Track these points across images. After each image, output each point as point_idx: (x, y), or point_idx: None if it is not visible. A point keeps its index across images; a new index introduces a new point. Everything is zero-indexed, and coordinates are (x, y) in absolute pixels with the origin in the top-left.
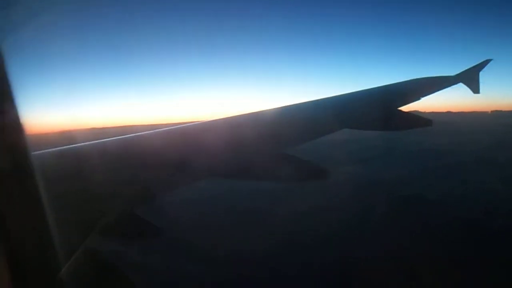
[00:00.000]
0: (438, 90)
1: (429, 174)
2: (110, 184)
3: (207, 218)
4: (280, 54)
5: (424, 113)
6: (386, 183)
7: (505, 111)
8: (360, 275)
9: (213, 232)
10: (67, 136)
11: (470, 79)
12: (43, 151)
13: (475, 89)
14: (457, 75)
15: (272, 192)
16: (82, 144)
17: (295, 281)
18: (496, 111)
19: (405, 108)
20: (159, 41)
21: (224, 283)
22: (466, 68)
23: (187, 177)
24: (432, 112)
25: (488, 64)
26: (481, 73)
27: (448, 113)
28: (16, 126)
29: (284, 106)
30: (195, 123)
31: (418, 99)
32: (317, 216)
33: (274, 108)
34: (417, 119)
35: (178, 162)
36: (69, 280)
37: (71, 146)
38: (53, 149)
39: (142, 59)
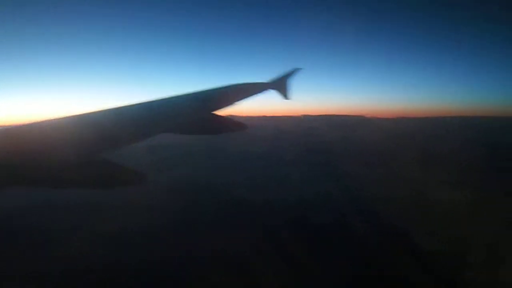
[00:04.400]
0: (252, 95)
1: (240, 176)
2: None
3: None
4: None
5: (240, 117)
6: (202, 186)
7: (312, 115)
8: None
9: None
10: None
11: (281, 86)
12: None
13: (286, 96)
14: (269, 82)
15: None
16: None
17: None
18: (306, 115)
19: (221, 112)
20: None
21: None
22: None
23: None
24: (248, 116)
25: (299, 72)
26: (291, 80)
27: (263, 117)
28: None
29: (101, 110)
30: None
31: (233, 104)
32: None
33: (90, 112)
34: (233, 123)
35: None
36: None
37: None
38: None
39: None
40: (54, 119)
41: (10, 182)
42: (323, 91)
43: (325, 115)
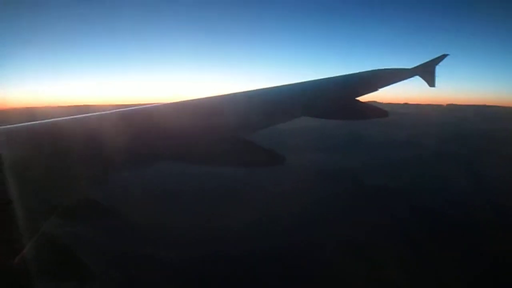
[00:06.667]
0: (395, 82)
1: (386, 165)
2: (68, 166)
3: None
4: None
5: (382, 103)
6: (344, 172)
7: (458, 105)
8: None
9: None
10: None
11: (427, 72)
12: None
13: (431, 83)
14: (414, 68)
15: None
16: (38, 122)
17: None
18: (451, 104)
19: (363, 98)
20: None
21: None
22: (424, 61)
23: (142, 160)
24: (390, 103)
25: (445, 59)
26: (437, 67)
27: (405, 104)
28: None
29: (243, 91)
30: (152, 105)
31: (376, 90)
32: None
33: (233, 93)
34: (374, 109)
35: (134, 144)
36: (25, 266)
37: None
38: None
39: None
40: (198, 99)
41: (163, 158)
42: (471, 79)
43: (474, 105)
